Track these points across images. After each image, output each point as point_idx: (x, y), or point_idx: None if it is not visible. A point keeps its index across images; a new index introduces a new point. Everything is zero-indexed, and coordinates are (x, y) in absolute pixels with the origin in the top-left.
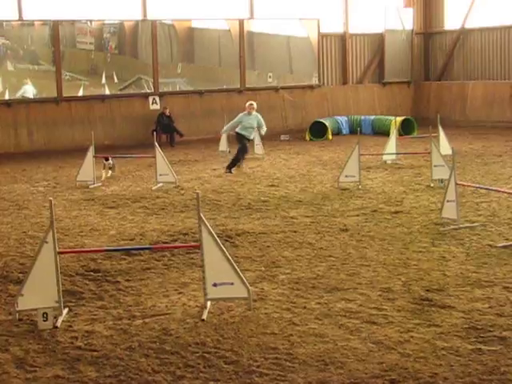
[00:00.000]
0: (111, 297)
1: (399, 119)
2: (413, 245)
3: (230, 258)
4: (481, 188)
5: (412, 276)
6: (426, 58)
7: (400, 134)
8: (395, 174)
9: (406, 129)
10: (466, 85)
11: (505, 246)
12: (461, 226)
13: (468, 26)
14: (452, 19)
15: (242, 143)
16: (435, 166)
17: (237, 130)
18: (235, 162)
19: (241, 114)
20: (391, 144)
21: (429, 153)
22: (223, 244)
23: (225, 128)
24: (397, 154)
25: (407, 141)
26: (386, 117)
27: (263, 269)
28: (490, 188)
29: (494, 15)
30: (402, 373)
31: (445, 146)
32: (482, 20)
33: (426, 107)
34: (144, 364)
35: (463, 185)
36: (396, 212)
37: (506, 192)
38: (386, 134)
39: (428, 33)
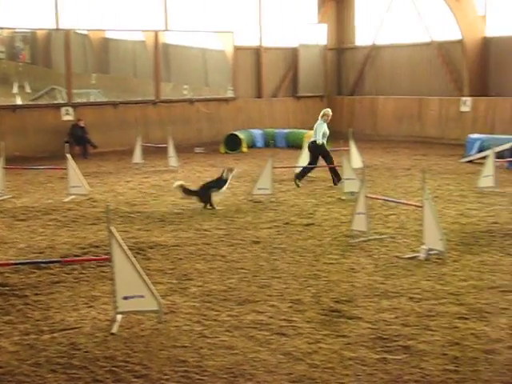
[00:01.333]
0: (18, 311)
1: (312, 133)
2: (323, 257)
3: (140, 270)
4: (390, 201)
5: (322, 288)
6: (338, 73)
7: None
8: (307, 186)
9: None
10: (377, 100)
11: (411, 258)
12: (370, 237)
13: (378, 42)
14: (363, 36)
15: (326, 151)
16: (346, 179)
17: (317, 138)
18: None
19: (322, 122)
20: (304, 157)
21: (340, 166)
22: (135, 257)
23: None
24: (310, 167)
25: None
26: (300, 130)
27: (175, 281)
28: (399, 201)
29: (403, 33)
30: (309, 383)
31: (356, 159)
32: (392, 37)
33: (338, 121)
34: (51, 380)
35: (373, 197)
36: (308, 224)
37: (413, 205)
38: (300, 147)
39: (340, 48)
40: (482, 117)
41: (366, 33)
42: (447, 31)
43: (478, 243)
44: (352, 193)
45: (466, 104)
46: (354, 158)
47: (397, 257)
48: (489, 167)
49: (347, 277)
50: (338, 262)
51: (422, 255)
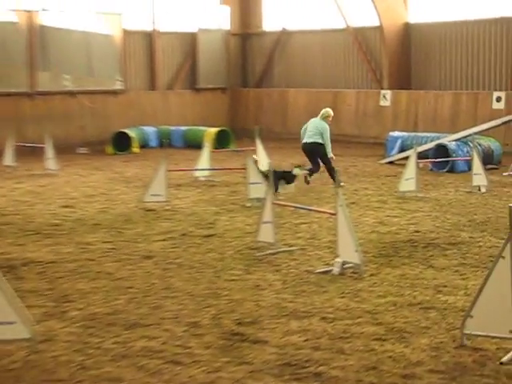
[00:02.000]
0: None
1: (214, 130)
2: (225, 272)
3: (10, 292)
4: (300, 208)
5: (223, 308)
6: (243, 62)
7: (215, 148)
8: (208, 192)
9: (221, 141)
10: (287, 93)
11: (324, 272)
12: (278, 250)
13: (288, 27)
14: (272, 19)
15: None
16: (252, 183)
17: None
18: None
19: (326, 123)
20: (204, 158)
21: (245, 169)
22: (4, 276)
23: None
24: (210, 169)
25: (222, 155)
26: (199, 127)
27: (52, 304)
28: (310, 208)
29: (317, 17)
30: None
31: (263, 160)
32: (304, 21)
33: (243, 117)
34: None
35: (281, 204)
36: (207, 236)
37: (326, 212)
38: (199, 146)
39: (246, 34)
40: (404, 112)
41: (274, 16)
42: (364, 16)
43: (399, 255)
44: (258, 199)
45: (386, 98)
46: (260, 159)
47: (308, 271)
48: (411, 169)
49: (252, 295)
50: (241, 279)
51: (335, 269)
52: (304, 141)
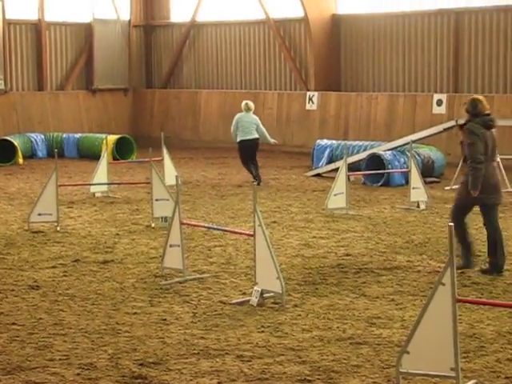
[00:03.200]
0: None
1: (113, 138)
2: (125, 305)
3: None
4: (213, 228)
5: (122, 346)
6: (148, 58)
7: (114, 158)
8: (106, 210)
9: (122, 151)
10: (199, 94)
11: (240, 303)
12: (187, 277)
13: (200, 18)
14: (180, 9)
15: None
16: (157, 199)
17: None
18: None
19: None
20: (102, 171)
21: (150, 183)
22: None
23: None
24: (108, 184)
25: (123, 166)
26: (96, 135)
27: None
28: (225, 228)
29: (232, 7)
30: None
31: (170, 173)
32: (218, 12)
33: (148, 122)
34: None
35: (191, 224)
36: (105, 262)
37: (243, 233)
38: (96, 157)
39: (150, 25)
40: (333, 117)
41: (183, 5)
42: (287, 7)
43: (326, 282)
44: (164, 218)
45: (313, 100)
46: (167, 172)
47: (222, 302)
48: (340, 183)
49: (156, 331)
50: (144, 312)
51: (253, 299)
52: (243, 138)
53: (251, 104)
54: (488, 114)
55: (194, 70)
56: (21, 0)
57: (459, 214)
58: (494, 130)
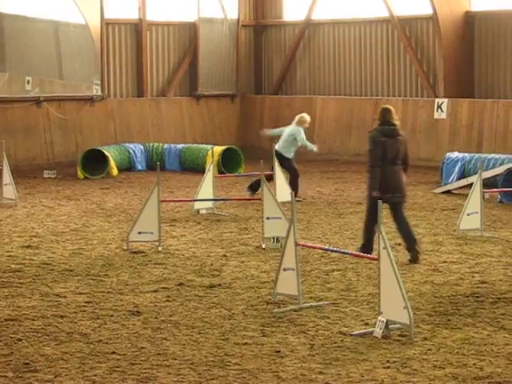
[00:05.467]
0: None
1: (219, 149)
2: (234, 334)
3: None
4: (332, 250)
5: (232, 381)
6: (257, 61)
7: (220, 171)
8: (212, 229)
9: (228, 163)
10: (314, 101)
11: (363, 334)
12: (303, 305)
13: (316, 17)
14: (294, 7)
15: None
16: (269, 218)
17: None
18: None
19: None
20: (206, 186)
21: (260, 199)
22: None
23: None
24: (214, 200)
25: (230, 181)
26: (201, 145)
27: (10, 374)
28: (345, 251)
29: (352, 3)
30: None
31: (283, 189)
32: (336, 10)
33: (257, 132)
34: None
35: (307, 246)
36: (212, 286)
37: (366, 257)
38: (200, 170)
39: (260, 25)
40: (465, 127)
41: (297, 2)
42: (414, 3)
43: (459, 312)
44: (276, 239)
45: (442, 108)
46: (279, 187)
47: (342, 333)
48: (474, 201)
49: (269, 364)
50: (255, 342)
51: (378, 331)
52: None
53: (300, 117)
54: (393, 124)
55: (308, 74)
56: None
57: (372, 215)
58: (400, 137)
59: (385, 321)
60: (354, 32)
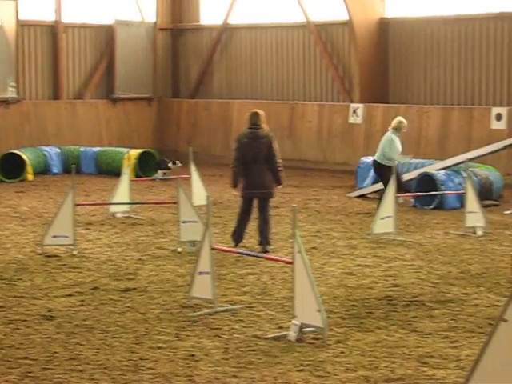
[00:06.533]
0: None
1: (135, 153)
2: (149, 338)
3: None
4: (247, 254)
5: None
6: (175, 65)
7: (137, 175)
8: (128, 233)
9: (145, 167)
10: (231, 105)
11: (277, 338)
12: (218, 309)
13: (233, 21)
14: (211, 11)
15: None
16: (184, 221)
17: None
18: None
19: (395, 136)
20: (123, 189)
21: (176, 203)
22: None
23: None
24: (130, 203)
25: (147, 184)
26: (117, 149)
27: None
28: (260, 254)
29: (268, 9)
30: None
31: (199, 192)
32: (254, 15)
33: (174, 136)
34: None
35: (222, 250)
36: (127, 290)
37: (280, 260)
38: (117, 173)
39: (177, 28)
40: (380, 132)
41: (215, 7)
42: (330, 9)
43: (372, 315)
44: (193, 243)
45: (357, 113)
46: (195, 191)
47: (256, 337)
48: (388, 205)
49: (183, 368)
50: (170, 346)
51: (292, 334)
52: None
53: (397, 121)
54: (257, 127)
55: (225, 78)
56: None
57: (242, 210)
58: (263, 139)
59: (299, 324)
60: (270, 37)
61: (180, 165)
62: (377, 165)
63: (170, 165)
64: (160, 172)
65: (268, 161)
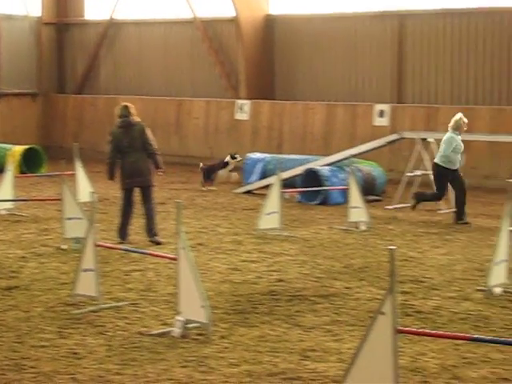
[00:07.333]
0: None
1: (20, 149)
2: (31, 337)
3: None
4: (132, 251)
5: None
6: (60, 60)
7: (21, 171)
8: (11, 230)
9: (30, 163)
10: (118, 101)
11: (161, 334)
12: (102, 306)
13: (119, 16)
14: (97, 5)
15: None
16: (69, 218)
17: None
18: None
19: (454, 136)
20: (6, 186)
21: (61, 199)
22: None
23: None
24: (14, 200)
25: (31, 181)
26: (1, 145)
27: None
28: (145, 251)
29: (155, 4)
30: None
31: (84, 189)
32: (139, 10)
33: (60, 132)
34: None
35: (106, 246)
36: (9, 288)
37: (165, 257)
38: (0, 170)
39: (63, 23)
40: (266, 128)
41: (100, 1)
42: (216, 5)
43: (256, 310)
44: (77, 239)
45: (244, 109)
46: (81, 188)
47: (140, 334)
48: (273, 201)
49: (66, 366)
50: (52, 345)
51: (176, 330)
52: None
53: (456, 120)
54: (127, 117)
55: (112, 74)
56: None
57: (124, 201)
58: (135, 127)
59: (183, 320)
60: (157, 32)
61: None
62: (438, 168)
63: None
64: None
65: (144, 147)
